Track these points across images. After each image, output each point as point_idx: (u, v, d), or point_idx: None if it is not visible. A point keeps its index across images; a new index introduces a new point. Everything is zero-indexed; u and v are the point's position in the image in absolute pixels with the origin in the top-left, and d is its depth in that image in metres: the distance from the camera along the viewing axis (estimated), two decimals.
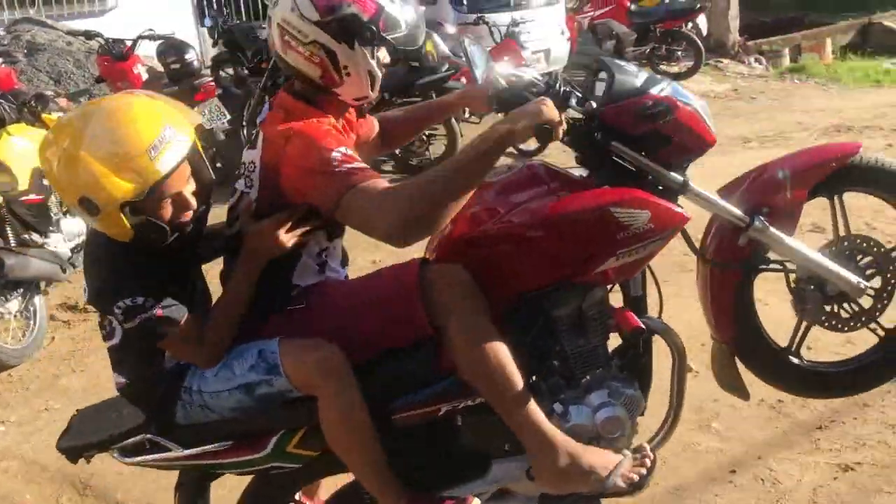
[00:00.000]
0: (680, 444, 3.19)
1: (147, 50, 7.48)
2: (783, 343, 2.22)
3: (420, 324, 1.75)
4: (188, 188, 1.71)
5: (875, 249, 2.13)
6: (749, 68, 10.39)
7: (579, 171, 2.03)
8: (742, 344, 2.19)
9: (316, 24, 1.77)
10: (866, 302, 2.13)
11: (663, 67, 9.84)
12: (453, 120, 6.99)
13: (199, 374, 1.82)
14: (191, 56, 6.71)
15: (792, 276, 2.15)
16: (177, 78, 6.63)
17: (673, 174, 1.92)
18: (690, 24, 9.61)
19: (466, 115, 7.35)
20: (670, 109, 1.89)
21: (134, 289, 1.70)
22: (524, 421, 1.79)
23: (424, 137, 7.11)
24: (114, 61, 7.30)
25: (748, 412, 3.37)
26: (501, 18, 7.91)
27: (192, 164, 1.71)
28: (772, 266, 2.13)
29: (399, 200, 1.65)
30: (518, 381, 1.77)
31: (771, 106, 8.71)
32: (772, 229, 1.99)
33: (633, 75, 1.97)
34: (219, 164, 6.93)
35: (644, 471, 1.91)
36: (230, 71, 9.28)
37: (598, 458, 1.86)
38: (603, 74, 1.98)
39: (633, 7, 9.71)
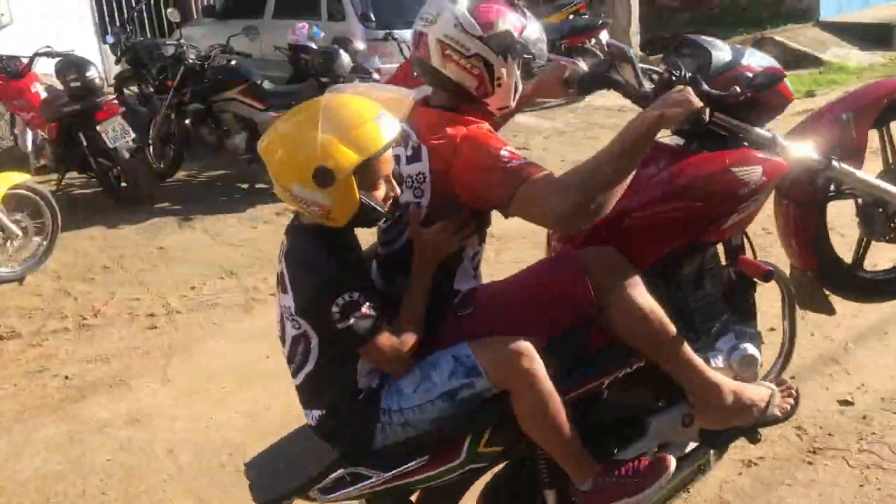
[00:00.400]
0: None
1: (45, 68, 7.23)
2: (849, 261, 2.57)
3: (586, 305, 1.93)
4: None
5: None
6: (651, 83, 10.73)
7: (674, 141, 2.29)
8: (823, 268, 2.49)
9: (478, 38, 1.95)
10: None
11: None
12: None
13: (395, 393, 1.89)
14: (92, 73, 6.53)
15: (859, 202, 2.49)
16: (77, 96, 6.44)
17: (764, 132, 2.08)
18: (594, 41, 9.87)
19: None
20: (779, 78, 2.16)
21: (348, 285, 1.77)
22: (691, 369, 2.02)
23: None
24: (9, 79, 7.04)
25: None
26: (410, 35, 7.98)
27: None
28: (843, 195, 2.46)
29: (570, 189, 1.79)
30: (678, 336, 1.99)
31: None
32: (845, 166, 2.21)
33: (721, 49, 2.20)
34: (123, 184, 6.76)
35: (792, 401, 2.22)
36: (134, 89, 9.06)
37: (756, 393, 2.12)
38: (687, 50, 2.24)
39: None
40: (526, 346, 1.87)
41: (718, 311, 2.18)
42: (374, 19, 8.48)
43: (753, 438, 2.22)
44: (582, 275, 1.94)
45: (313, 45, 7.60)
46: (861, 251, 2.59)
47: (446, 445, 1.93)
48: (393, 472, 1.90)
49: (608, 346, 2.01)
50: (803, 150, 2.15)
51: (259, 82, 7.03)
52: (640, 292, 1.96)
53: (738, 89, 2.04)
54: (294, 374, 1.95)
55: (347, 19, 8.78)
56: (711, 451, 2.21)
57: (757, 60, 2.20)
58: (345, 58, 7.05)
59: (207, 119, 7.25)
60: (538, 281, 2.03)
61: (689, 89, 1.88)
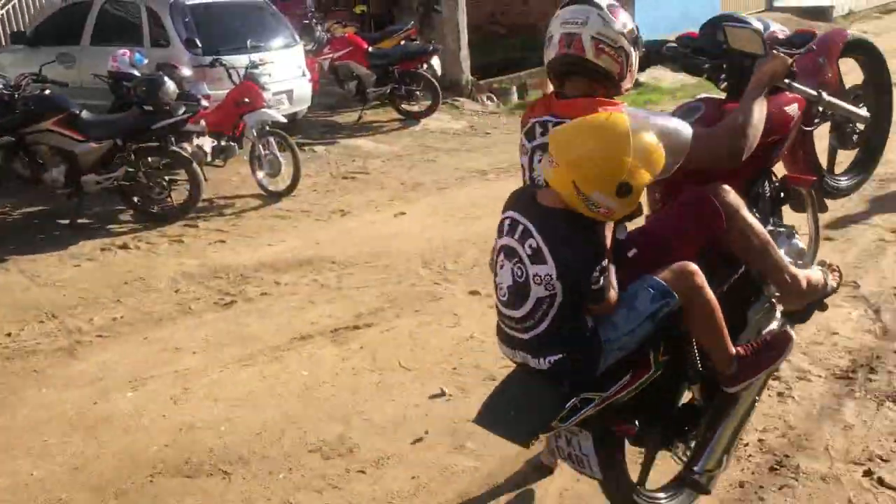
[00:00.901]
0: (437, 467, 3.28)
1: None
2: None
3: (716, 228, 2.52)
4: None
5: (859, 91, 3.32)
6: (482, 106, 11.07)
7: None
8: (818, 178, 3.13)
9: (622, 34, 2.48)
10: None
11: (405, 106, 10.21)
12: (195, 165, 6.78)
13: (610, 326, 2.33)
14: None
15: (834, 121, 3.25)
16: None
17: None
18: (426, 66, 10.06)
19: (210, 158, 7.15)
20: (812, 35, 2.83)
21: (604, 255, 2.26)
22: (781, 267, 2.66)
23: (165, 184, 6.81)
24: None
25: None
26: (239, 60, 7.80)
27: None
28: (826, 118, 3.16)
29: (739, 132, 2.51)
30: (772, 243, 2.63)
31: (504, 140, 9.32)
32: (830, 97, 2.93)
33: (755, 22, 2.86)
34: None
35: (838, 276, 2.99)
36: None
37: (816, 275, 2.81)
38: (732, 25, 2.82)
39: (370, 49, 9.98)
40: (694, 266, 2.41)
41: (767, 219, 2.84)
42: (200, 45, 8.22)
43: (824, 307, 2.91)
44: (714, 205, 2.50)
45: (136, 73, 7.27)
46: (831, 160, 3.37)
47: (640, 362, 2.40)
48: (609, 391, 2.35)
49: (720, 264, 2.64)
50: (811, 89, 2.82)
51: (77, 112, 6.64)
52: (749, 214, 2.59)
53: (807, 46, 2.80)
54: (526, 332, 2.33)
55: (172, 45, 8.47)
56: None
57: (778, 26, 2.92)
58: (170, 85, 6.80)
59: (20, 152, 6.76)
60: (680, 214, 2.58)
61: (782, 52, 2.66)
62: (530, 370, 2.39)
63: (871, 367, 3.83)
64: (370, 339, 4.45)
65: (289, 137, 7.28)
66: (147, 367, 4.27)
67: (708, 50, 2.94)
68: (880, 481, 3.05)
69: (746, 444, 3.29)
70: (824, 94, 2.89)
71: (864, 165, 3.50)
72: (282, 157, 7.21)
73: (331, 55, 9.99)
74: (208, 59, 7.96)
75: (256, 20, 9.13)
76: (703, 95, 2.93)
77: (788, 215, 3.02)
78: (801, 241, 2.93)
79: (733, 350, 2.55)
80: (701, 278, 2.40)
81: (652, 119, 2.41)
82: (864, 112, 3.17)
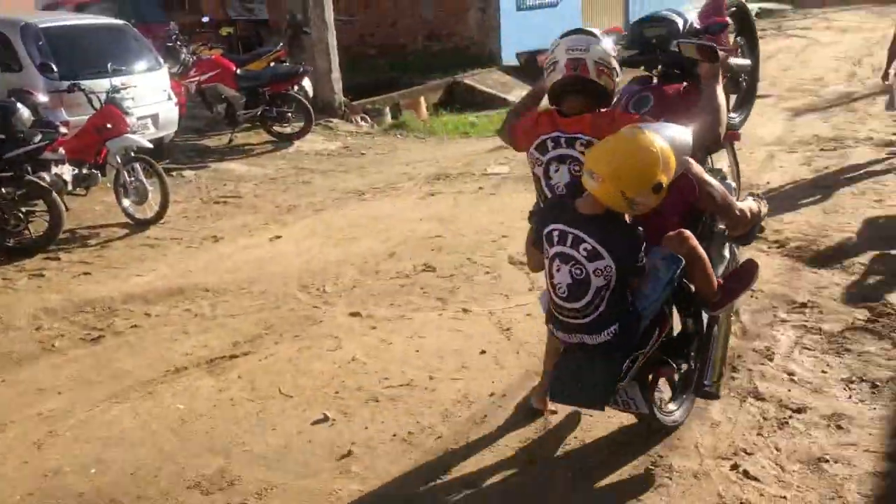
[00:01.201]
0: (321, 494, 3.23)
1: None
2: None
3: (693, 196, 3.10)
4: None
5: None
6: (356, 126, 11.06)
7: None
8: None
9: (612, 56, 3.11)
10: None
11: (277, 129, 10.07)
12: (55, 195, 6.45)
13: (642, 296, 2.97)
14: None
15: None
16: None
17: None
18: (297, 87, 9.97)
19: (70, 187, 6.83)
20: (725, 25, 3.65)
21: (641, 238, 2.93)
22: (732, 206, 3.22)
23: (21, 215, 6.44)
24: None
25: (383, 449, 3.53)
26: (100, 85, 7.47)
27: None
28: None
29: (713, 125, 3.18)
30: (725, 192, 3.20)
31: (379, 160, 9.36)
32: (738, 60, 3.88)
33: (680, 15, 3.59)
34: None
35: (765, 203, 3.55)
36: None
37: (753, 205, 3.37)
38: (660, 22, 3.55)
39: (239, 71, 9.79)
40: (688, 232, 3.05)
41: (704, 165, 3.41)
42: (56, 69, 7.84)
43: (762, 230, 3.64)
44: (689, 178, 3.05)
45: None
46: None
47: (661, 318, 3.06)
48: (647, 347, 3.01)
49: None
50: (742, 61, 3.74)
51: None
52: (708, 176, 3.17)
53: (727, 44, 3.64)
54: (586, 317, 2.93)
55: (25, 70, 8.03)
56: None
57: (693, 16, 3.58)
58: (24, 112, 6.45)
59: None
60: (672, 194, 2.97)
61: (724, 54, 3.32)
62: (586, 348, 3.00)
63: (733, 367, 4.05)
64: (249, 368, 4.34)
65: (155, 163, 7.04)
66: (7, 412, 4.00)
67: (642, 48, 3.65)
68: (746, 473, 3.23)
69: (623, 446, 3.42)
70: (739, 60, 3.86)
71: (748, 101, 4.48)
72: (148, 183, 6.96)
73: (197, 78, 9.74)
74: (66, 83, 7.59)
75: (117, 43, 8.79)
76: (634, 86, 3.61)
77: None
78: (731, 181, 3.70)
79: (716, 283, 3.22)
80: (694, 239, 3.05)
81: (661, 131, 2.95)
82: (747, 61, 4.18)
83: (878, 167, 7.72)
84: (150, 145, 7.27)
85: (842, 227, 6.03)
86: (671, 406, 3.49)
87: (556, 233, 2.94)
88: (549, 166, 3.19)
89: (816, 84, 12.64)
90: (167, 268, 5.99)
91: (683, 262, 2.99)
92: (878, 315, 4.52)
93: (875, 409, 3.64)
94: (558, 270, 2.93)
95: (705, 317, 3.40)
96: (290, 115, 9.97)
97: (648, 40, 3.56)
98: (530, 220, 3.36)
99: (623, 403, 3.18)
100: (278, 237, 6.56)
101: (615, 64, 3.10)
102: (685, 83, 3.51)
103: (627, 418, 3.52)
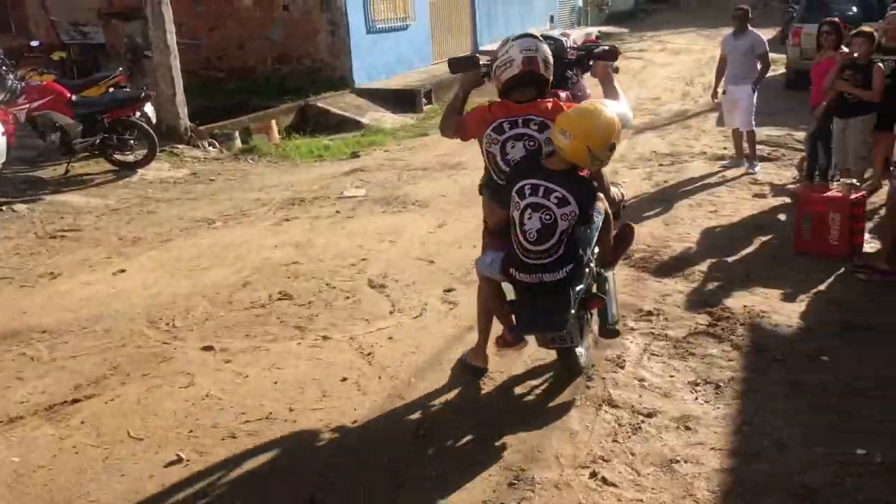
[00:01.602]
0: None
1: None
2: None
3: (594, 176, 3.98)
4: None
5: None
6: (204, 152, 10.66)
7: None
8: None
9: (553, 56, 3.83)
10: None
11: (118, 157, 9.57)
12: None
13: (584, 241, 3.75)
14: None
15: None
16: None
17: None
18: (139, 113, 9.51)
19: None
20: (597, 42, 4.40)
21: (595, 190, 3.80)
22: (609, 186, 4.02)
23: None
24: None
25: (241, 488, 3.39)
26: None
27: None
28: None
29: (628, 111, 4.02)
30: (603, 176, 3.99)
31: (230, 186, 9.06)
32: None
33: (561, 36, 4.37)
34: None
35: (624, 189, 4.46)
36: None
37: (618, 190, 4.17)
38: (550, 41, 3.99)
39: (74, 98, 9.23)
40: (601, 195, 3.82)
41: None
42: None
43: (624, 210, 4.53)
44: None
45: None
46: None
47: (586, 262, 3.83)
48: (584, 283, 3.79)
49: None
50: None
51: None
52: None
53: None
54: (549, 257, 3.65)
55: None
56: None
57: (571, 41, 4.35)
58: None
59: None
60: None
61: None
62: (544, 286, 3.67)
63: (587, 375, 4.18)
64: (93, 412, 4.06)
65: None
66: None
67: None
68: (604, 480, 3.33)
69: (485, 463, 3.44)
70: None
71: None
72: None
73: (27, 105, 9.09)
74: None
75: None
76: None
77: None
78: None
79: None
80: (605, 201, 3.85)
81: (611, 105, 3.77)
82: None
83: (712, 180, 8.25)
84: None
85: (682, 238, 6.38)
86: (581, 349, 4.11)
87: (528, 187, 3.66)
88: (505, 144, 3.81)
89: (654, 103, 13.40)
90: None
91: (606, 216, 3.84)
92: (718, 319, 4.80)
93: (719, 408, 3.84)
94: (529, 218, 3.64)
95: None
96: (132, 142, 9.50)
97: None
98: (481, 192, 4.14)
99: (560, 340, 3.84)
100: (122, 271, 6.21)
101: (552, 60, 3.82)
102: (566, 90, 4.19)
103: (487, 439, 3.55)
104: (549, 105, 3.81)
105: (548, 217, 3.60)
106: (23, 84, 9.11)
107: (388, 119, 13.29)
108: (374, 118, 13.17)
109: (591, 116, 3.55)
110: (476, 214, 7.14)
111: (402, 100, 14.10)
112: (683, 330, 4.69)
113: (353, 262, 6.15)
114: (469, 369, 4.26)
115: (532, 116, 3.79)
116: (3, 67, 8.94)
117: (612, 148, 3.59)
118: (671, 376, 4.17)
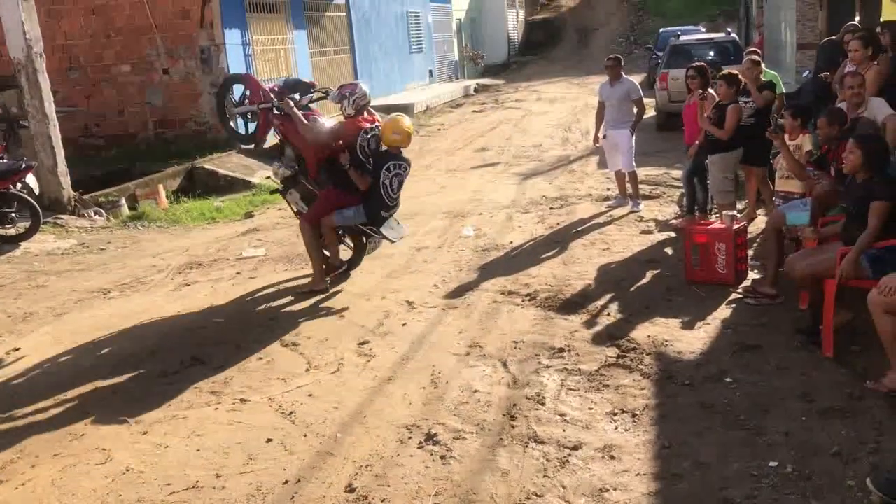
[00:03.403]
0: None
1: None
2: None
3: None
4: None
5: None
6: (91, 221, 10.32)
7: None
8: None
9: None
10: None
11: None
12: None
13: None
14: None
15: None
16: None
17: None
18: (20, 185, 9.15)
19: None
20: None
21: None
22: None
23: None
24: None
25: None
26: None
27: None
28: None
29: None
30: None
31: (122, 254, 8.80)
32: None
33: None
34: None
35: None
36: None
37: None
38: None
39: None
40: None
41: None
42: None
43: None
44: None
45: None
46: None
47: None
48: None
49: None
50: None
51: None
52: None
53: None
54: (397, 204, 6.66)
55: None
56: None
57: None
58: None
59: None
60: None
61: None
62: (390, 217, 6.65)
63: (511, 415, 4.29)
64: (4, 500, 3.85)
65: None
66: None
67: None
68: None
69: None
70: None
71: None
72: None
73: None
74: None
75: None
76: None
77: None
78: None
79: None
80: None
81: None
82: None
83: (600, 219, 8.65)
84: None
85: (581, 276, 6.66)
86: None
87: (392, 165, 6.35)
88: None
89: (537, 150, 13.94)
90: None
91: None
92: (626, 351, 5.04)
93: (638, 435, 4.03)
94: (393, 182, 6.38)
95: None
96: (13, 214, 9.11)
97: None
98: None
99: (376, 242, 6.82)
100: (17, 349, 5.92)
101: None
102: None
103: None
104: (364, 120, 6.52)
105: (401, 180, 6.49)
106: None
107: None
108: (265, 177, 13.08)
109: (404, 122, 6.42)
110: (382, 266, 7.26)
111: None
112: (595, 363, 4.89)
113: (262, 323, 6.09)
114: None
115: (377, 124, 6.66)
116: None
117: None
118: (590, 408, 4.34)
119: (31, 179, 9.25)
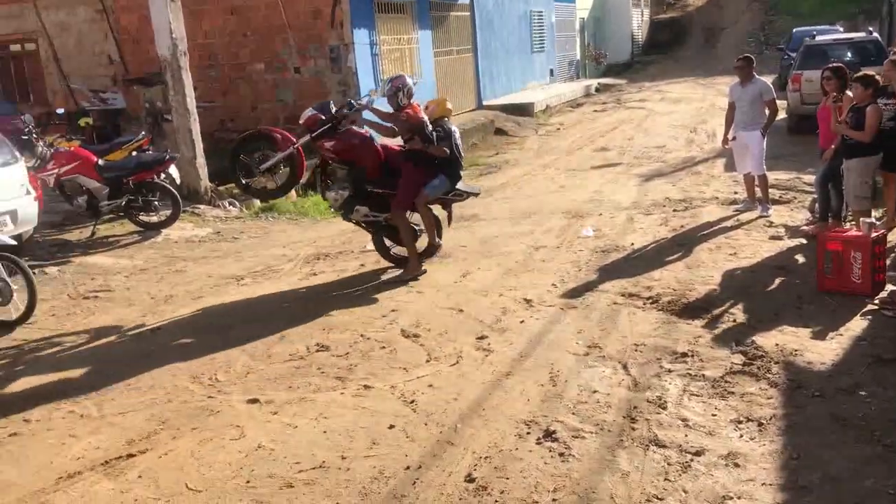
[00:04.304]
0: None
1: None
2: None
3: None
4: None
5: None
6: (225, 211, 10.87)
7: None
8: None
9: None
10: None
11: (143, 218, 9.76)
12: None
13: None
14: None
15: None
16: None
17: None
18: (164, 175, 9.76)
19: None
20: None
21: None
22: None
23: None
24: None
25: None
26: None
27: None
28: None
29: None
30: None
31: (254, 244, 9.23)
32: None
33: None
34: None
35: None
36: None
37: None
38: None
39: (101, 162, 9.48)
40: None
41: None
42: None
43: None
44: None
45: None
46: None
47: None
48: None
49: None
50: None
51: None
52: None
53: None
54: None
55: None
56: None
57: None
58: None
59: None
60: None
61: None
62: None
63: (631, 417, 4.27)
64: (149, 466, 4.14)
65: (20, 260, 6.67)
66: None
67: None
68: None
69: None
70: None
71: None
72: (11, 282, 6.57)
73: (55, 170, 9.34)
74: None
75: None
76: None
77: None
78: None
79: None
80: None
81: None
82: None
83: (727, 224, 8.41)
84: (14, 242, 6.88)
85: (705, 280, 6.51)
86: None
87: (453, 129, 7.15)
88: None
89: (660, 151, 13.66)
90: (37, 370, 5.63)
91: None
92: (752, 358, 4.90)
93: (765, 444, 3.93)
94: (460, 142, 7.21)
95: None
96: (156, 203, 9.71)
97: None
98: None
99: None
100: (158, 329, 6.33)
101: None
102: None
103: None
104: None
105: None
106: (51, 150, 9.37)
107: None
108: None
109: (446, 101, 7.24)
110: (499, 264, 7.34)
111: None
112: (720, 370, 4.79)
113: (384, 314, 6.27)
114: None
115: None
116: (33, 135, 9.19)
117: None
118: (713, 415, 4.26)
119: (172, 170, 9.84)
